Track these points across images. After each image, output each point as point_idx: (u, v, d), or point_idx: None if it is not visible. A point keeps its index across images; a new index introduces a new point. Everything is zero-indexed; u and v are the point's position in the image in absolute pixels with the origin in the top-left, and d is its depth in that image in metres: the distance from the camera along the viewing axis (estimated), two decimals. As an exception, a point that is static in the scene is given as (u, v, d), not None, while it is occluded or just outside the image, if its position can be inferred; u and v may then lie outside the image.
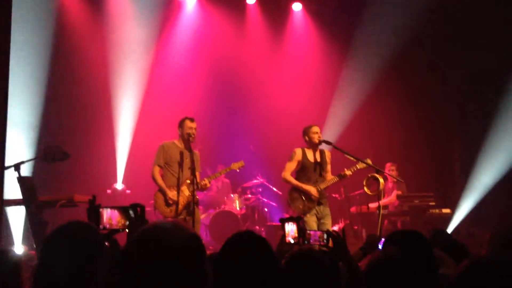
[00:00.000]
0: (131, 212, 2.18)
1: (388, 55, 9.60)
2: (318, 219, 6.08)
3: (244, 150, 8.67)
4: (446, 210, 7.95)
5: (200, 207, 8.85)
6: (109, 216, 2.18)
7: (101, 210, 2.19)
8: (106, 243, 2.06)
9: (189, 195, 5.92)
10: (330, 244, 2.99)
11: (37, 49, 8.20)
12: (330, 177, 6.19)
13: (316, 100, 9.75)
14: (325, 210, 6.15)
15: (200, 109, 8.63)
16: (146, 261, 1.35)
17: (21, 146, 7.74)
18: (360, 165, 6.03)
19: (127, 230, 2.19)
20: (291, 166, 6.21)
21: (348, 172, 6.01)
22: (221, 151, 8.96)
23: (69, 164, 6.44)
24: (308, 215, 6.01)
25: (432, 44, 9.39)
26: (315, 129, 6.20)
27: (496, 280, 1.62)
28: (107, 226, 2.19)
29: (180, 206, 5.90)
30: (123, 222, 2.18)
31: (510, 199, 8.55)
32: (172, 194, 5.91)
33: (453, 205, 8.73)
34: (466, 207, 8.90)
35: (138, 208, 2.20)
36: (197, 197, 5.93)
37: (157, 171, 6.02)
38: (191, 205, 5.81)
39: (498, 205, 8.61)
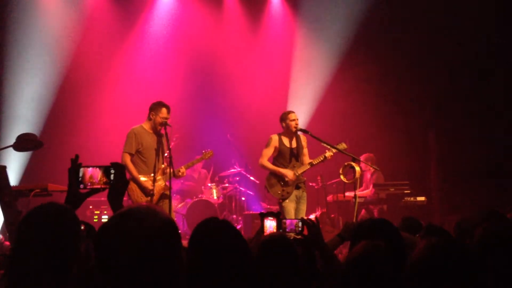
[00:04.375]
0: (112, 171, 2.17)
1: (364, 43, 9.67)
2: (296, 204, 6.13)
3: (222, 139, 8.65)
4: (421, 198, 8.07)
5: (177, 196, 8.83)
6: (90, 175, 2.18)
7: (82, 169, 2.19)
8: (82, 226, 2.04)
9: (164, 184, 5.78)
10: (305, 232, 3.01)
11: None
12: (307, 160, 6.24)
13: (294, 88, 9.76)
14: (303, 195, 6.22)
15: (177, 99, 8.56)
16: (121, 246, 1.33)
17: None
18: (329, 153, 6.05)
19: (108, 189, 2.19)
20: (268, 152, 6.25)
21: (320, 159, 6.08)
22: (198, 141, 8.92)
23: (46, 152, 6.40)
24: (287, 201, 6.06)
25: (407, 31, 9.47)
26: (293, 116, 6.22)
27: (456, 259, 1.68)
28: (88, 185, 2.18)
29: (155, 197, 5.73)
30: (104, 180, 2.18)
31: (482, 187, 8.72)
32: (150, 184, 5.69)
33: (428, 193, 8.88)
34: (441, 195, 9.06)
35: (119, 167, 2.19)
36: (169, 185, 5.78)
37: (128, 158, 5.71)
38: (165, 192, 5.77)
39: (471, 194, 8.78)
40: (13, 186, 4.93)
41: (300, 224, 3.01)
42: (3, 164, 5.24)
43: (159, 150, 5.80)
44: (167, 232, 1.39)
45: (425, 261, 1.72)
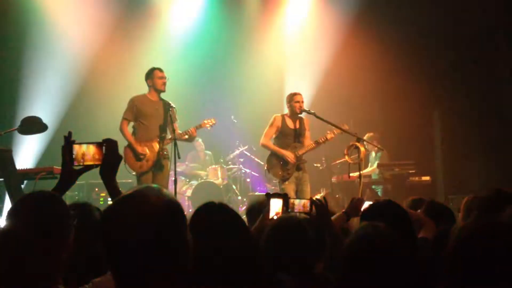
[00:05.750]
0: (104, 147, 2.15)
1: (367, 24, 9.59)
2: (297, 185, 6.11)
3: (226, 121, 8.63)
4: (426, 178, 8.06)
5: (182, 178, 8.86)
6: (83, 152, 2.15)
7: (75, 146, 2.16)
8: (72, 212, 2.05)
9: (158, 150, 5.77)
10: (313, 211, 3.02)
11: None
12: (308, 143, 6.22)
13: (298, 71, 9.70)
14: (304, 176, 6.20)
15: (181, 81, 8.53)
16: (125, 229, 1.33)
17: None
18: (330, 135, 6.06)
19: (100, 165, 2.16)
20: (270, 132, 6.23)
21: (322, 139, 6.09)
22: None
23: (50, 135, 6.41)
24: (286, 183, 6.05)
25: (413, 13, 9.37)
26: (298, 97, 6.19)
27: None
28: (82, 162, 2.16)
29: (150, 162, 5.76)
30: (97, 157, 2.15)
31: (487, 166, 8.72)
32: (142, 149, 5.73)
33: (432, 173, 8.87)
34: (445, 174, 9.05)
35: (112, 143, 2.16)
36: (166, 153, 5.81)
37: (125, 124, 5.81)
38: (161, 161, 5.76)
39: (475, 172, 8.78)
40: (19, 170, 4.94)
41: (308, 204, 3.02)
42: (9, 147, 5.26)
43: (163, 118, 5.79)
44: (171, 213, 1.38)
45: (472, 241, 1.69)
